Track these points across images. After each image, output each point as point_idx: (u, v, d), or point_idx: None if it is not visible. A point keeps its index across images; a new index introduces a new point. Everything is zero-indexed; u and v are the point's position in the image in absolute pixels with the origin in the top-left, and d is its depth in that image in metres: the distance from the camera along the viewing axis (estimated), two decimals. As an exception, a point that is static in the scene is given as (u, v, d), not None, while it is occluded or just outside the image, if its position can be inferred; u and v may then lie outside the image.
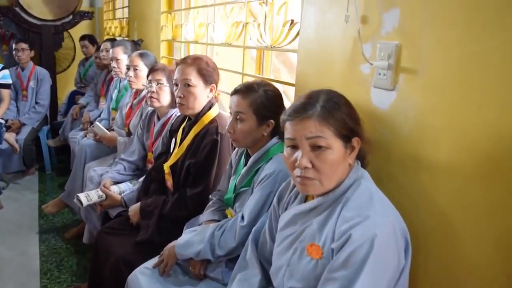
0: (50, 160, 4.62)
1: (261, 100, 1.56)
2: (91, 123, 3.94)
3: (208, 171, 1.90)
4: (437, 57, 1.14)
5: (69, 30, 5.51)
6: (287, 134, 1.12)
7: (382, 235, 0.99)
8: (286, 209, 1.29)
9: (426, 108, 1.19)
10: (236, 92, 1.60)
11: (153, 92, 2.38)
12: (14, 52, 4.31)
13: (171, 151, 2.13)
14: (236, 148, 1.81)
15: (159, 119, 2.51)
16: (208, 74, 1.98)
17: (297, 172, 1.09)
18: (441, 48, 1.13)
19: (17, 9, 4.56)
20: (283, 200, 1.31)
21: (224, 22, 2.40)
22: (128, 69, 2.85)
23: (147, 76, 2.46)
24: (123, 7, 5.04)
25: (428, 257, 1.20)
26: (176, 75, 1.98)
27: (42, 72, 4.45)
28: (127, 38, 4.77)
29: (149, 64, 2.84)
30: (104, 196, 2.29)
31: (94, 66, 4.87)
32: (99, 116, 3.74)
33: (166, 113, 2.47)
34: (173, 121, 2.42)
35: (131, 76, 2.81)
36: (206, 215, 1.77)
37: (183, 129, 2.10)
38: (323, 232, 1.11)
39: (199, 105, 2.00)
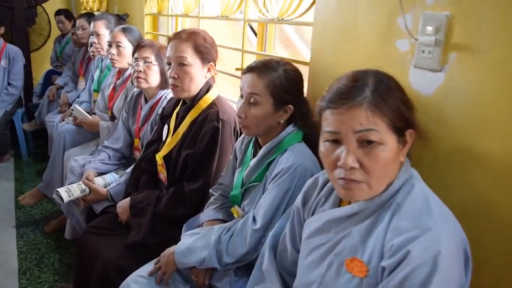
0: (26, 145, 4.30)
1: (280, 81, 1.33)
2: (70, 105, 3.65)
3: (209, 163, 1.67)
4: (500, 32, 0.93)
5: (42, 5, 5.10)
6: (327, 126, 0.90)
7: (447, 252, 0.80)
8: (313, 213, 1.08)
9: (483, 93, 0.98)
10: (250, 70, 1.36)
11: (140, 71, 2.12)
12: (-19, 28, 3.94)
13: (164, 139, 1.88)
14: (242, 136, 1.58)
15: (146, 101, 2.25)
16: (206, 51, 1.73)
17: (339, 173, 0.88)
18: (506, 21, 0.91)
19: (-16, -20, 4.17)
20: (310, 202, 1.09)
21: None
22: (110, 46, 2.56)
23: (133, 54, 2.20)
24: (101, -21, 4.66)
25: (489, 272, 1.01)
26: (168, 53, 1.73)
27: (14, 50, 4.08)
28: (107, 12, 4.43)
29: (134, 40, 2.56)
30: (87, 190, 2.05)
31: (71, 43, 4.52)
32: (78, 97, 3.44)
33: (155, 95, 2.21)
34: (162, 104, 2.17)
35: (113, 54, 2.52)
36: (207, 213, 1.55)
37: (177, 114, 1.86)
38: (367, 245, 0.90)
39: (195, 87, 1.76)
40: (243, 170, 1.46)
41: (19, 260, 2.60)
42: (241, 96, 1.39)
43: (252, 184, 1.41)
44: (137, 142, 2.27)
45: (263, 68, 1.33)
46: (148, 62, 2.13)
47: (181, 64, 1.70)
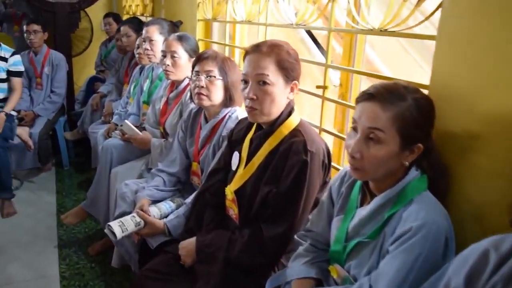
0: (67, 154, 4.14)
1: (410, 114, 1.02)
2: (113, 114, 3.45)
3: (295, 204, 1.38)
4: None
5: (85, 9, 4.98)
6: None
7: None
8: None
9: None
10: (370, 97, 1.05)
11: (202, 87, 1.86)
12: (25, 34, 3.79)
13: (234, 169, 1.60)
14: (340, 174, 1.28)
15: (207, 120, 1.99)
16: (291, 68, 1.44)
17: None
18: None
19: (28, -15, 4.03)
20: (480, 280, 0.78)
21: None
22: (163, 56, 2.31)
23: (193, 66, 1.94)
24: (146, -18, 4.47)
25: None
26: (245, 69, 1.45)
27: (58, 56, 3.93)
28: (152, 18, 4.22)
29: (190, 49, 2.31)
30: (142, 222, 1.79)
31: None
32: (125, 108, 3.22)
33: (217, 114, 1.94)
34: (226, 124, 1.90)
35: (168, 65, 2.27)
36: (297, 269, 1.26)
37: (251, 140, 1.57)
38: None
39: (277, 110, 1.47)
40: (347, 221, 1.16)
41: (62, 287, 2.40)
42: (353, 129, 1.09)
43: (363, 241, 1.10)
44: (195, 166, 2.01)
45: (387, 96, 1.03)
46: (211, 76, 1.86)
47: (261, 82, 1.41)
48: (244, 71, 1.46)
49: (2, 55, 3.32)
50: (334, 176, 1.32)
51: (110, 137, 3.07)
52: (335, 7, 1.61)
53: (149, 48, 2.70)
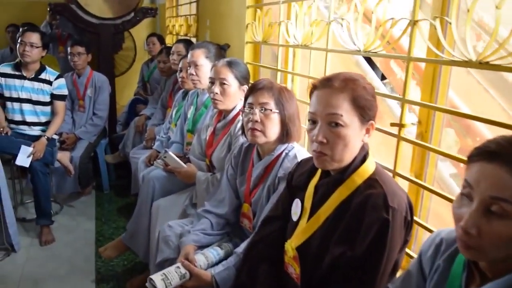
0: (108, 177, 4.04)
1: None
2: (155, 140, 3.31)
3: (373, 270, 1.14)
4: None
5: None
6: None
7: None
8: None
9: None
10: (491, 156, 0.80)
11: (257, 121, 1.65)
12: (69, 56, 3.75)
13: (295, 219, 1.38)
14: (432, 240, 1.03)
15: (260, 158, 1.78)
16: (368, 106, 1.22)
17: None
18: None
19: (73, 6, 4.00)
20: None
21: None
22: (212, 83, 2.14)
23: (246, 97, 1.74)
24: (190, 3, 4.38)
25: None
26: (314, 107, 1.23)
27: (101, 78, 3.86)
28: (196, 40, 4.11)
29: (241, 77, 2.13)
30: (187, 274, 1.59)
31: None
32: (167, 134, 3.08)
33: (272, 151, 1.73)
34: (283, 163, 1.68)
35: (216, 93, 2.09)
36: None
37: (316, 188, 1.35)
38: None
39: (350, 155, 1.24)
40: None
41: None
42: (466, 196, 0.84)
43: None
44: (246, 208, 1.80)
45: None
46: (266, 110, 1.66)
47: (333, 124, 1.19)
48: (312, 109, 1.24)
49: (47, 78, 3.27)
50: (425, 242, 1.07)
51: (151, 164, 2.93)
52: (415, 31, 1.37)
53: (194, 73, 2.54)
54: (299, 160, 1.64)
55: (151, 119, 3.65)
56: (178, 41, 3.39)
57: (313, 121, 1.25)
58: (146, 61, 4.72)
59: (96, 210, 3.66)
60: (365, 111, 1.21)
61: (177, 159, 2.19)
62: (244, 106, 1.74)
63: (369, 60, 3.02)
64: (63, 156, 3.36)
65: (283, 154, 1.71)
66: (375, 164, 1.29)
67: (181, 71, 2.90)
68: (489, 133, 2.00)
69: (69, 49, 3.74)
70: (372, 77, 2.94)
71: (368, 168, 1.26)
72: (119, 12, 4.11)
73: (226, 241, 1.83)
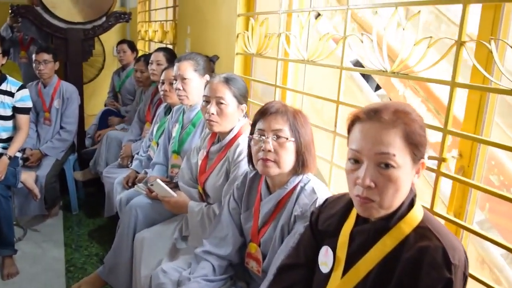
0: (76, 196, 3.69)
1: None
2: (133, 157, 3.02)
3: None
4: None
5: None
6: None
7: None
8: None
9: None
10: None
11: (270, 151, 1.42)
12: (34, 64, 3.39)
13: (326, 271, 1.16)
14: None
15: (269, 191, 1.55)
16: (421, 143, 1.02)
17: None
18: None
19: (38, 8, 3.63)
20: None
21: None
22: (207, 101, 1.89)
23: (254, 122, 1.51)
24: (166, 8, 4.10)
25: None
26: (359, 143, 1.02)
27: (69, 89, 3.51)
28: (174, 48, 3.83)
29: (240, 94, 1.89)
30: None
31: (132, 77, 3.95)
32: (146, 153, 2.79)
33: (285, 183, 1.50)
34: (299, 198, 1.46)
35: (212, 114, 1.85)
36: None
37: (351, 234, 1.13)
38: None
39: (399, 201, 1.04)
40: None
41: None
42: (354, 160, 0.67)
43: None
44: (254, 248, 1.56)
45: None
46: (280, 137, 1.43)
47: (383, 165, 0.98)
48: (356, 145, 1.03)
49: (8, 89, 2.90)
50: None
51: (129, 187, 2.65)
52: (462, 53, 1.18)
53: (181, 88, 2.28)
54: (318, 195, 1.43)
55: (127, 133, 3.34)
56: (158, 49, 3.11)
57: (355, 160, 1.03)
58: (116, 70, 4.40)
59: (65, 235, 3.30)
60: (418, 148, 1.01)
61: (166, 187, 1.93)
62: (252, 133, 1.51)
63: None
64: (27, 177, 3.00)
65: (298, 187, 1.48)
66: (422, 209, 1.09)
67: (163, 83, 2.63)
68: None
69: (33, 56, 3.39)
70: (367, 91, 2.77)
71: (416, 214, 1.06)
72: (89, 16, 3.77)
73: (230, 286, 1.58)
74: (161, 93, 2.65)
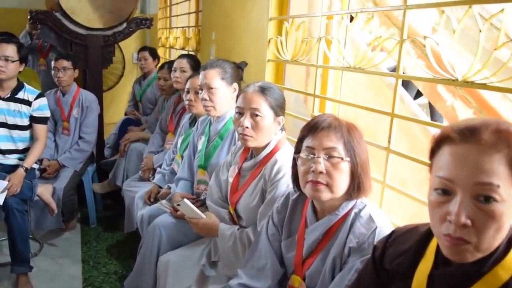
0: (95, 208, 3.53)
1: None
2: (155, 170, 2.85)
3: None
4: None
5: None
6: None
7: None
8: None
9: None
10: None
11: (321, 173, 1.22)
12: (53, 71, 3.26)
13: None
14: None
15: (316, 216, 1.35)
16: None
17: None
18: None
19: (58, 14, 3.51)
20: None
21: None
22: (240, 113, 1.70)
23: (302, 139, 1.31)
24: (189, 13, 3.95)
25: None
26: (450, 170, 0.82)
27: (89, 97, 3.38)
28: (196, 54, 3.67)
29: (277, 105, 1.70)
30: None
31: (154, 86, 3.81)
32: (170, 166, 2.62)
33: (336, 209, 1.30)
34: (354, 227, 1.25)
35: (246, 128, 1.66)
36: None
37: (431, 277, 0.92)
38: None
39: (498, 242, 0.83)
40: None
41: None
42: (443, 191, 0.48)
43: None
44: (297, 282, 1.36)
45: None
46: (334, 157, 1.23)
47: (482, 198, 0.78)
48: (446, 173, 0.82)
49: (26, 98, 2.77)
50: None
51: (151, 202, 2.47)
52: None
53: (208, 98, 2.10)
54: (376, 223, 1.23)
55: (148, 145, 3.17)
56: (181, 56, 2.95)
57: (445, 191, 0.83)
58: (137, 79, 4.26)
59: (82, 250, 3.15)
60: None
61: (194, 207, 1.74)
62: (298, 150, 1.31)
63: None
64: (44, 191, 2.85)
65: (352, 213, 1.28)
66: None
67: (188, 92, 2.46)
68: None
69: (52, 63, 3.26)
70: (409, 101, 2.56)
71: (512, 259, 0.85)
72: (110, 22, 3.63)
73: (269, 326, 1.38)
74: (186, 102, 2.48)
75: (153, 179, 2.73)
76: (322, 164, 1.23)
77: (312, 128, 1.27)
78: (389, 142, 1.56)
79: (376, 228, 1.22)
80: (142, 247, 2.08)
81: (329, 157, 1.23)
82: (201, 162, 2.16)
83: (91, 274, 2.83)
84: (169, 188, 2.44)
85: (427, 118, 2.46)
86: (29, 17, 3.47)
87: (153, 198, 2.49)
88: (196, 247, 1.95)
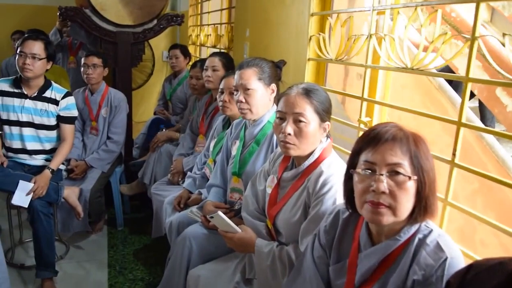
0: (122, 210, 3.44)
1: None
2: (185, 174, 2.72)
3: None
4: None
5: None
6: None
7: None
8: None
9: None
10: None
11: (383, 193, 1.04)
12: (82, 68, 3.17)
13: None
14: None
15: (372, 240, 1.17)
16: None
17: None
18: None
19: (87, 11, 3.43)
20: None
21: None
22: (281, 118, 1.53)
23: (358, 151, 1.13)
24: (221, 10, 3.81)
25: None
26: None
27: (118, 96, 3.27)
28: (228, 52, 3.52)
29: (322, 110, 1.52)
30: None
31: (185, 85, 3.69)
32: (201, 170, 2.47)
33: (396, 233, 1.11)
34: (413, 253, 1.07)
35: (289, 135, 1.49)
36: None
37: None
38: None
39: None
40: None
41: None
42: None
43: None
44: (348, 314, 1.18)
45: None
46: (399, 175, 1.05)
47: None
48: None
49: (53, 97, 2.67)
50: None
51: (181, 208, 2.34)
52: None
53: (244, 100, 1.94)
54: (447, 253, 1.04)
55: (178, 147, 3.04)
56: (213, 54, 2.80)
57: None
58: (167, 77, 4.14)
59: (109, 254, 3.05)
60: None
61: (229, 221, 1.58)
62: (353, 165, 1.13)
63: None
64: (70, 193, 2.75)
65: (415, 239, 1.09)
66: None
67: (222, 92, 2.31)
68: None
69: (82, 59, 3.17)
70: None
71: None
72: (139, 18, 3.52)
73: None
74: (220, 103, 2.33)
75: (182, 183, 2.59)
76: (384, 183, 1.04)
77: (373, 139, 1.09)
78: (453, 154, 1.35)
79: (446, 259, 1.03)
80: (171, 259, 1.94)
81: (393, 174, 1.05)
82: (235, 169, 2.01)
83: (117, 280, 2.73)
84: (200, 193, 2.29)
85: (481, 124, 2.24)
86: (58, 13, 3.39)
87: (183, 204, 2.35)
88: (229, 261, 1.79)
